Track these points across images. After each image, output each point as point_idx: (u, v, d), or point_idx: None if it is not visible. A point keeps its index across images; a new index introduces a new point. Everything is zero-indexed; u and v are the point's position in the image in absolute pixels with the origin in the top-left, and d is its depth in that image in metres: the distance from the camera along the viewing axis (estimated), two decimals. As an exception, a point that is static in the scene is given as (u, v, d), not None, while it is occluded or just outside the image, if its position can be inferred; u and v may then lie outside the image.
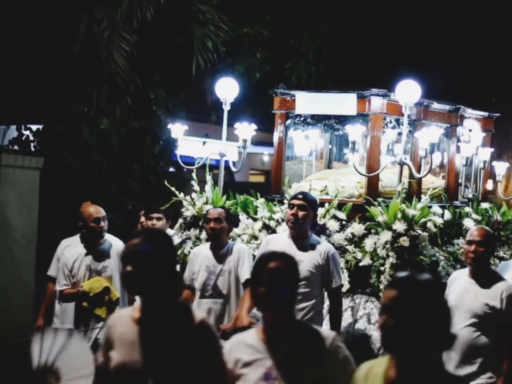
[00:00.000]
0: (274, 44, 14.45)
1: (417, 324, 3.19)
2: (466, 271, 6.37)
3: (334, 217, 8.06)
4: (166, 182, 8.60)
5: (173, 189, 8.58)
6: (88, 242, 7.47)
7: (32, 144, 11.84)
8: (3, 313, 10.14)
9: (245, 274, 6.96)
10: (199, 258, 7.22)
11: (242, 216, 8.41)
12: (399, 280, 3.35)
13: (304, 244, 6.72)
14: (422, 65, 13.76)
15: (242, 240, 8.23)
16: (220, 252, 7.16)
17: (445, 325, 3.26)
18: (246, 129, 8.41)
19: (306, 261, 6.61)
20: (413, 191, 8.63)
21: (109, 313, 7.10)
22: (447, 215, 8.49)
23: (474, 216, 8.84)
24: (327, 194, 8.55)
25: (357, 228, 7.93)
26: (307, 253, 6.67)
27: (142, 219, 9.31)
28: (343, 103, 8.42)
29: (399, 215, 7.68)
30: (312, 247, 6.73)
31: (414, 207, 7.89)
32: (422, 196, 8.06)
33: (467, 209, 8.83)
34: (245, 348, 3.84)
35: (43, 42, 11.42)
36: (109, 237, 7.62)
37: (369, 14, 15.04)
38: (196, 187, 8.67)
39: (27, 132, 11.75)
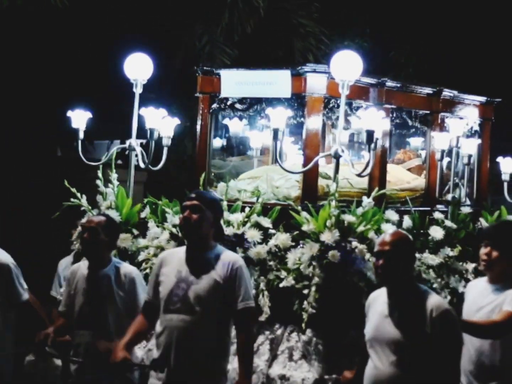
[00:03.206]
0: (374, 57, 14.11)
1: None
2: (385, 290, 4.88)
3: (257, 225, 6.60)
4: (66, 183, 7.25)
5: (73, 190, 7.25)
6: None
7: (136, 159, 11.99)
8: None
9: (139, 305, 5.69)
10: (76, 278, 5.97)
11: (151, 224, 7.01)
12: None
13: (204, 258, 5.17)
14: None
15: (149, 253, 6.85)
16: (100, 272, 5.82)
17: None
18: (153, 116, 7.01)
19: (204, 282, 5.07)
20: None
21: None
22: (407, 222, 6.95)
23: (448, 223, 7.25)
24: (259, 196, 7.08)
25: (282, 239, 6.46)
26: (205, 270, 5.12)
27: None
28: (275, 82, 6.98)
29: (329, 223, 6.18)
30: (214, 260, 5.16)
31: (353, 213, 6.39)
32: (364, 198, 6.53)
33: (438, 214, 7.24)
34: None
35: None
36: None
37: None
38: (102, 188, 7.32)
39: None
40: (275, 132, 6.42)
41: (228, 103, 7.34)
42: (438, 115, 8.15)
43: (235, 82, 7.21)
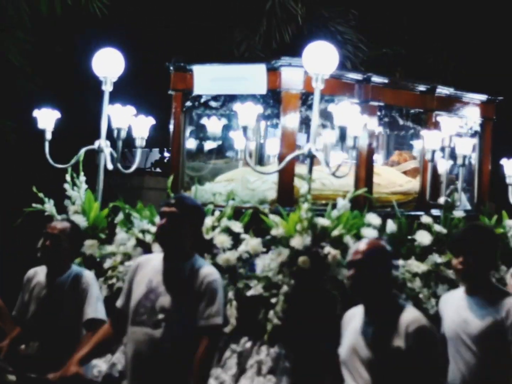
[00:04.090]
0: (412, 63, 14.39)
1: None
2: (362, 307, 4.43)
3: (227, 229, 6.20)
4: (34, 188, 6.91)
5: (40, 195, 6.90)
6: None
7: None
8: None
9: (89, 312, 5.32)
10: (31, 284, 5.59)
11: (119, 229, 6.64)
12: None
13: (178, 269, 4.72)
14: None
15: (115, 261, 6.48)
16: (57, 280, 5.45)
17: None
18: (120, 114, 6.65)
19: (173, 294, 4.59)
20: (361, 196, 6.70)
21: None
22: (391, 227, 6.50)
23: (438, 228, 6.78)
24: (233, 199, 6.70)
25: (253, 244, 6.05)
26: (177, 282, 4.67)
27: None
28: (250, 78, 6.60)
29: (299, 227, 5.76)
30: (189, 272, 4.71)
31: (328, 216, 5.97)
32: (340, 200, 6.10)
33: (426, 218, 6.78)
34: None
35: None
36: None
37: None
38: (70, 192, 6.97)
39: (169, 155, 12.13)
40: (245, 129, 6.03)
41: (202, 100, 6.95)
42: (432, 114, 7.72)
43: (208, 78, 6.85)
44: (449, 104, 7.99)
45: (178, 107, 7.02)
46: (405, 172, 8.39)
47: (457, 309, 4.68)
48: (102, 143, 6.94)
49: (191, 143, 7.79)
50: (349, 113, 5.76)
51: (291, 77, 6.51)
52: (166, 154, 12.47)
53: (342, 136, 5.79)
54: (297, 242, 5.75)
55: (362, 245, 4.28)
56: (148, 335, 4.56)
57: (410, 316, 4.20)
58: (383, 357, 4.17)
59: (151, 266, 4.74)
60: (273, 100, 6.61)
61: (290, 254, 5.78)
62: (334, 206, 6.19)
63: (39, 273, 5.58)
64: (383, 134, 9.19)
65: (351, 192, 6.60)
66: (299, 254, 5.75)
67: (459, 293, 4.79)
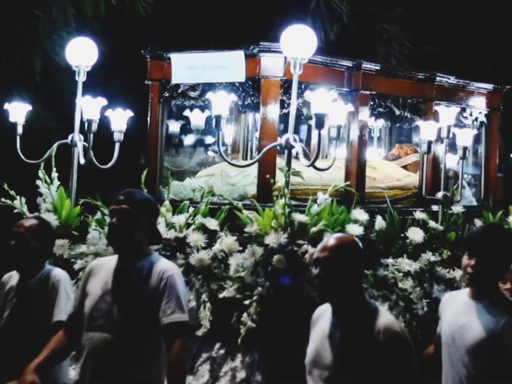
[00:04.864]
0: (459, 61, 14.06)
1: None
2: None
3: (203, 227, 5.84)
4: (5, 185, 6.61)
5: (12, 192, 6.59)
6: None
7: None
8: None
9: (56, 314, 4.94)
10: (6, 289, 5.24)
11: (91, 228, 6.30)
12: None
13: (135, 267, 4.38)
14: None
15: (86, 262, 6.14)
16: (30, 282, 5.10)
17: None
18: (90, 105, 6.33)
19: (131, 295, 4.29)
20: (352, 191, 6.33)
21: None
22: (380, 223, 6.09)
23: (433, 224, 6.36)
24: (213, 195, 6.35)
25: (228, 242, 5.68)
26: (134, 282, 4.33)
27: None
28: (229, 65, 6.23)
29: (274, 223, 5.38)
30: (147, 270, 4.37)
31: (307, 212, 5.59)
32: (320, 194, 5.70)
33: (419, 214, 6.36)
34: None
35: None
36: None
37: None
38: (42, 189, 6.65)
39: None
40: (218, 119, 5.66)
41: (180, 90, 6.59)
42: (432, 104, 7.28)
43: (186, 67, 6.48)
44: (452, 94, 7.58)
45: (155, 97, 6.67)
46: (406, 166, 7.98)
47: (457, 313, 4.22)
48: (76, 136, 6.60)
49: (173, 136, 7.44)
50: (327, 99, 5.35)
51: (271, 64, 6.13)
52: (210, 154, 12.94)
53: (319, 125, 5.37)
54: (272, 239, 5.37)
55: (330, 241, 3.88)
56: (106, 341, 4.27)
57: (383, 321, 3.81)
58: (349, 365, 3.80)
59: (106, 268, 4.47)
60: (253, 88, 6.23)
61: (264, 253, 5.39)
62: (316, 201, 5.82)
63: (13, 277, 5.24)
64: (385, 127, 8.79)
65: (338, 187, 6.23)
66: (274, 252, 5.37)
67: (463, 295, 4.31)
